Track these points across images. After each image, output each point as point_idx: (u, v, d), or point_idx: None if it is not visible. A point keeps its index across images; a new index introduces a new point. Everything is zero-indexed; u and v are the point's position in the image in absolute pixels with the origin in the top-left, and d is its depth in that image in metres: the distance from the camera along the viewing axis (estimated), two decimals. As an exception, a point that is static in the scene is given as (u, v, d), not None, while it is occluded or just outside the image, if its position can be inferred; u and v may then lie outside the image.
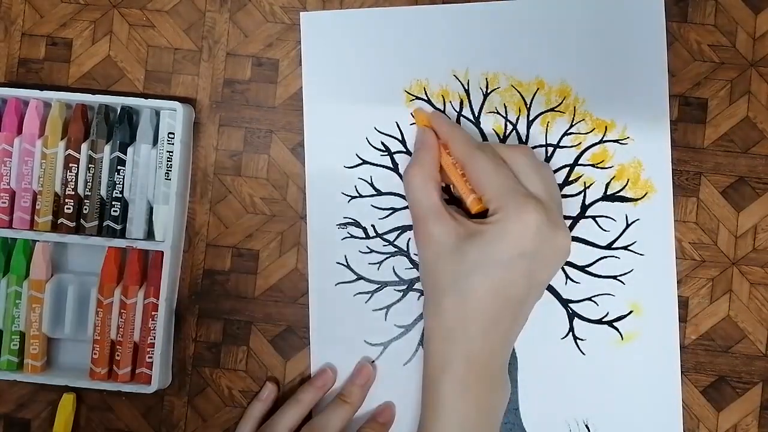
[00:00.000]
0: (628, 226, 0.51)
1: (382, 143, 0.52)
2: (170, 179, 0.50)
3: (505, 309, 0.45)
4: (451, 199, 0.51)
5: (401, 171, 0.52)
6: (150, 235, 0.51)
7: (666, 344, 0.51)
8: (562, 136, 0.51)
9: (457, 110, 0.52)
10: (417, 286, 0.52)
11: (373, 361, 0.52)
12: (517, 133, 0.52)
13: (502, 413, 0.47)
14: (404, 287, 0.52)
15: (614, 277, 0.51)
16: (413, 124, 0.52)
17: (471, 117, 0.52)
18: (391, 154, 0.52)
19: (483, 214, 0.46)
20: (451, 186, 0.50)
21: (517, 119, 0.52)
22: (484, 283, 0.44)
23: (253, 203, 0.53)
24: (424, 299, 0.48)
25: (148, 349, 0.51)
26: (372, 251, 0.52)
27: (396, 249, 0.52)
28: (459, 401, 0.45)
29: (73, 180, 0.50)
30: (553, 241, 0.45)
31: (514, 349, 0.51)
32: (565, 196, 0.51)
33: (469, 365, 0.45)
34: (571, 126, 0.51)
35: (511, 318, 0.45)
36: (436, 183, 0.47)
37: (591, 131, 0.51)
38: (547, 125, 0.52)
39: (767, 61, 0.52)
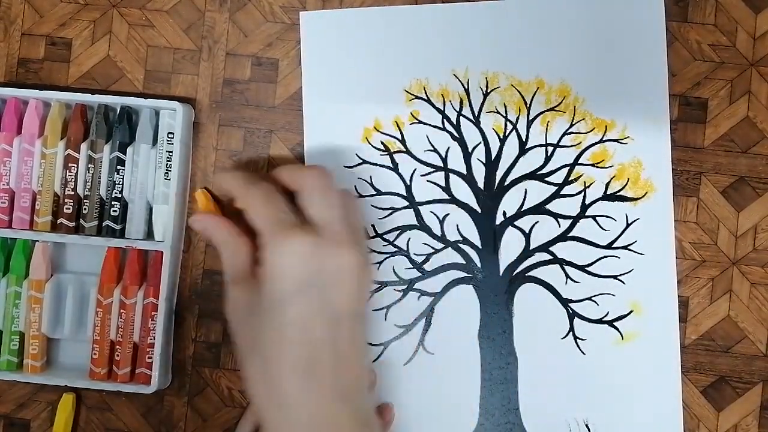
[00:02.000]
0: (628, 225, 0.51)
1: (382, 143, 0.52)
2: (170, 179, 0.50)
3: (316, 355, 0.39)
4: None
5: (401, 171, 0.52)
6: (150, 235, 0.51)
7: (666, 344, 0.51)
8: (562, 136, 0.51)
9: (457, 110, 0.52)
10: (417, 286, 0.52)
11: (373, 361, 0.52)
12: (517, 132, 0.52)
13: None
14: (404, 287, 0.52)
15: (614, 277, 0.51)
16: (413, 123, 0.52)
17: (471, 116, 0.52)
18: (391, 154, 0.52)
19: None
20: None
21: (517, 119, 0.52)
22: (279, 332, 0.39)
23: (253, 203, 0.52)
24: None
25: (148, 349, 0.50)
26: (371, 251, 0.52)
27: (396, 249, 0.52)
28: None
29: (73, 180, 0.50)
30: (334, 260, 0.40)
31: (514, 349, 0.51)
32: (564, 195, 0.51)
33: None
34: (571, 125, 0.51)
35: (330, 365, 0.39)
36: (247, 247, 0.44)
37: (591, 131, 0.51)
38: (547, 125, 0.51)
39: (767, 60, 0.52)
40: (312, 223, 0.42)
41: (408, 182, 0.52)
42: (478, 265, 0.52)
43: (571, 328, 0.51)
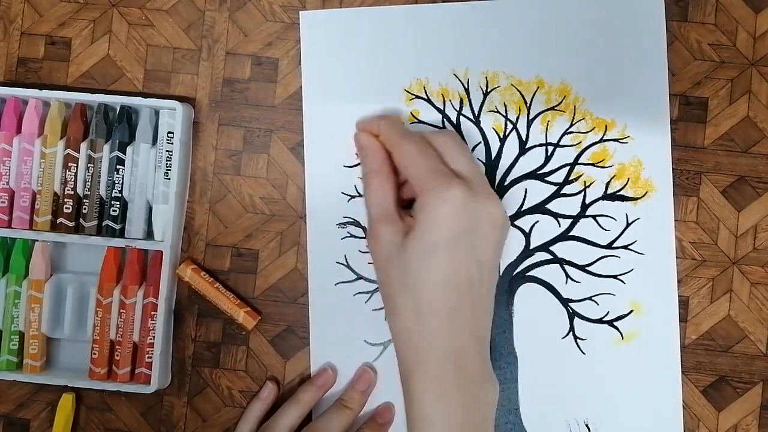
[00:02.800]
0: (628, 225, 0.51)
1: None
2: (169, 179, 0.50)
3: (460, 297, 0.44)
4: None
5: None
6: (149, 234, 0.51)
7: (666, 344, 0.51)
8: (562, 135, 0.51)
9: (457, 109, 0.52)
10: (417, 285, 0.52)
11: (373, 361, 0.52)
12: (517, 132, 0.52)
13: (492, 412, 0.45)
14: (404, 287, 0.52)
15: (615, 277, 0.51)
16: (413, 123, 0.52)
17: (471, 116, 0.52)
18: (390, 153, 0.52)
19: None
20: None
21: (517, 118, 0.51)
22: (429, 274, 0.43)
23: (253, 203, 0.52)
24: (384, 304, 0.47)
25: (148, 349, 0.50)
26: (372, 251, 0.52)
27: (396, 248, 0.52)
28: (438, 405, 0.43)
29: (72, 179, 0.50)
30: (485, 212, 0.44)
31: (514, 349, 0.51)
32: (565, 195, 0.51)
33: (439, 364, 0.43)
34: (571, 125, 0.51)
35: (470, 307, 0.44)
36: (392, 185, 0.47)
37: (591, 130, 0.51)
38: (547, 124, 0.51)
39: (767, 60, 0.52)
40: (459, 175, 0.45)
41: (408, 182, 0.52)
42: (478, 264, 0.51)
43: (572, 328, 0.51)
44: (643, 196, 0.51)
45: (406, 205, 0.48)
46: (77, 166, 0.50)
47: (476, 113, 0.52)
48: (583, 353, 0.51)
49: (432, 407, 0.43)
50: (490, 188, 0.46)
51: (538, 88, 0.51)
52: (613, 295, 0.51)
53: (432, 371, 0.43)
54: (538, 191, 0.51)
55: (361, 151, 0.49)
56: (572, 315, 0.51)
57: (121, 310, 0.50)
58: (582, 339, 0.51)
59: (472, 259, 0.44)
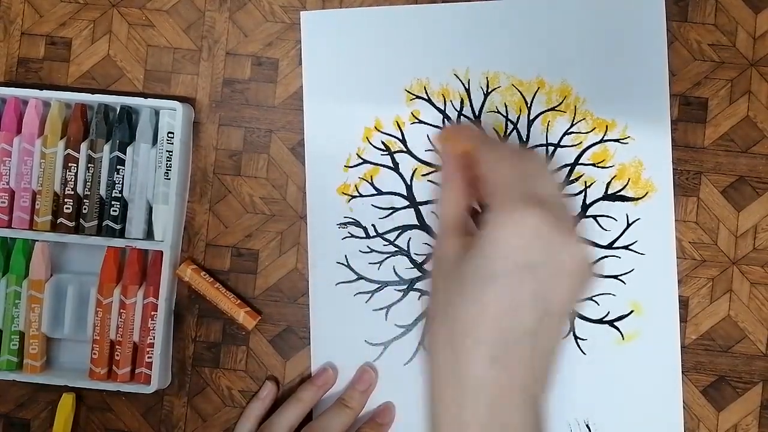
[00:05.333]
0: (628, 225, 0.51)
1: (383, 143, 0.52)
2: (170, 179, 0.50)
3: (512, 345, 0.35)
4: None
5: (401, 171, 0.52)
6: (149, 234, 0.51)
7: (666, 344, 0.51)
8: (563, 136, 0.51)
9: (458, 109, 0.52)
10: (417, 285, 0.52)
11: (374, 361, 0.52)
12: (518, 132, 0.52)
13: None
14: (405, 287, 0.52)
15: (615, 277, 0.51)
16: (414, 123, 0.52)
17: (471, 116, 0.52)
18: (391, 153, 0.52)
19: None
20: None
21: (518, 118, 0.52)
22: (472, 311, 0.35)
23: (253, 203, 0.52)
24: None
25: (148, 349, 0.50)
26: (372, 251, 0.52)
27: (396, 249, 0.52)
28: None
29: (73, 180, 0.50)
30: (563, 249, 0.35)
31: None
32: (565, 195, 0.51)
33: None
34: (572, 125, 0.51)
35: (526, 356, 0.36)
36: (467, 196, 0.40)
37: (591, 131, 0.51)
38: (548, 124, 0.51)
39: (767, 60, 0.52)
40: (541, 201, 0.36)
41: (408, 182, 0.52)
42: (479, 264, 0.51)
43: (572, 328, 0.51)
44: (644, 196, 0.51)
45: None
46: (77, 166, 0.50)
47: (477, 113, 0.52)
48: (584, 353, 0.51)
49: None
50: (575, 224, 0.37)
51: (538, 88, 0.51)
52: (614, 295, 0.51)
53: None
54: (538, 191, 0.51)
55: (440, 155, 0.42)
56: (573, 315, 0.51)
57: (121, 310, 0.50)
58: (582, 339, 0.51)
59: (537, 303, 0.35)
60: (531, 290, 0.35)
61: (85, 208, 0.50)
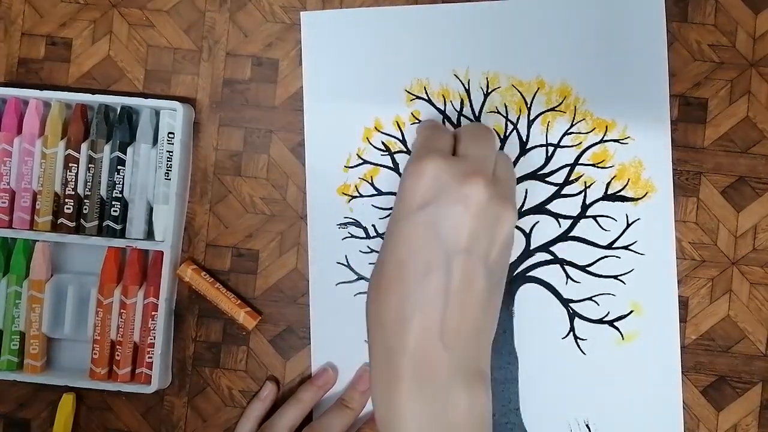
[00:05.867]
0: (628, 225, 0.51)
1: (383, 143, 0.52)
2: (170, 179, 0.50)
3: (416, 280, 0.38)
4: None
5: (401, 171, 0.52)
6: (150, 235, 0.51)
7: (666, 344, 0.51)
8: (563, 136, 0.51)
9: (458, 110, 0.52)
10: (417, 286, 0.52)
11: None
12: (518, 132, 0.52)
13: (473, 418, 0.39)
14: (404, 287, 0.52)
15: (615, 277, 0.51)
16: (414, 123, 0.52)
17: (471, 116, 0.52)
18: (391, 153, 0.52)
19: None
20: None
21: (518, 119, 0.52)
22: (385, 252, 0.40)
23: (253, 203, 0.53)
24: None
25: (148, 349, 0.50)
26: (373, 251, 0.52)
27: (396, 249, 0.52)
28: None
29: (73, 180, 0.50)
30: (458, 192, 0.38)
31: (514, 349, 0.51)
32: (565, 195, 0.51)
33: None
34: (572, 126, 0.51)
35: (435, 290, 0.38)
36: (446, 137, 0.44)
37: (591, 131, 0.51)
38: (548, 125, 0.52)
39: (767, 60, 0.52)
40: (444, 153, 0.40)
41: (408, 182, 0.52)
42: (479, 265, 0.51)
43: (572, 328, 0.51)
44: (644, 196, 0.51)
45: None
46: (78, 167, 0.50)
47: (477, 114, 0.52)
48: (584, 353, 0.51)
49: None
50: (484, 171, 0.40)
51: (538, 88, 0.52)
52: (614, 295, 0.51)
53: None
54: (538, 192, 0.52)
55: (418, 132, 0.45)
56: (572, 315, 0.51)
57: (122, 311, 0.50)
58: (582, 339, 0.51)
59: (436, 240, 0.39)
60: (425, 228, 0.38)
61: (85, 209, 0.50)
